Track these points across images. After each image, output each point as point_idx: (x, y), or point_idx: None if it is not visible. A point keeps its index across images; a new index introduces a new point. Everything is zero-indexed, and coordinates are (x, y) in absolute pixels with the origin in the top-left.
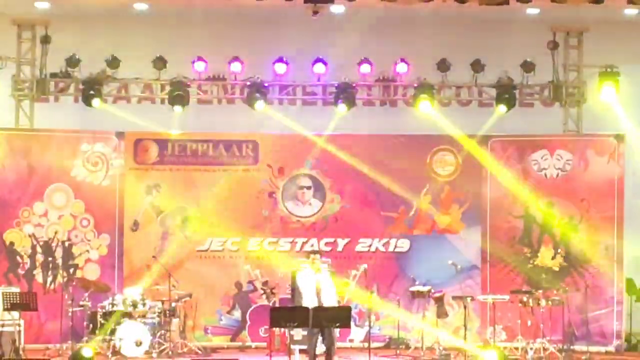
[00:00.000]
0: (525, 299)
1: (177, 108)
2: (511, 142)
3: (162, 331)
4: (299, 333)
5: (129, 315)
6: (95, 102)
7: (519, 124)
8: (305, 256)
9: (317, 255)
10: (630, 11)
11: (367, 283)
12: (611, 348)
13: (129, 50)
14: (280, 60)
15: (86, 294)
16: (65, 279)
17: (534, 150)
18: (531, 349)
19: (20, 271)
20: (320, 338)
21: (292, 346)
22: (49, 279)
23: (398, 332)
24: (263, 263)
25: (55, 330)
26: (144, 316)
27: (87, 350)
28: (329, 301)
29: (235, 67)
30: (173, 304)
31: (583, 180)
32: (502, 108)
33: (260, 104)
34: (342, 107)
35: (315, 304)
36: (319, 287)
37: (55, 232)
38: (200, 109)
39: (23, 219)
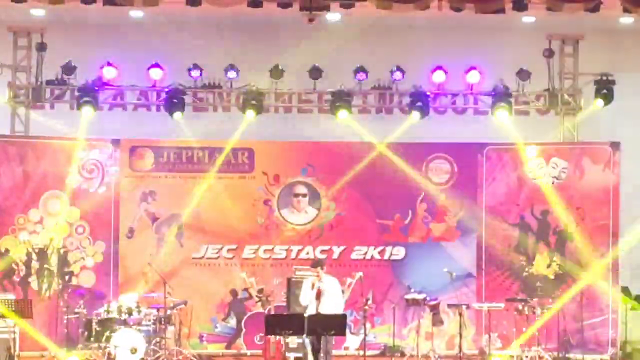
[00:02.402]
0: (520, 307)
1: (173, 115)
2: (507, 150)
3: (157, 339)
4: (294, 341)
5: (124, 322)
6: (91, 109)
7: (515, 132)
8: (310, 265)
9: (320, 269)
10: (626, 19)
11: (362, 291)
12: (606, 356)
13: (125, 57)
14: (275, 68)
15: (81, 301)
16: (61, 286)
17: (529, 159)
18: (526, 357)
19: (16, 278)
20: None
21: (287, 354)
22: (44, 286)
23: (393, 340)
24: (258, 270)
25: (51, 337)
26: (139, 323)
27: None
28: (332, 308)
29: (231, 74)
30: (168, 312)
31: (578, 188)
32: (497, 115)
33: (255, 112)
34: (338, 115)
35: (313, 312)
36: (320, 295)
37: (51, 239)
38: (195, 116)
39: (18, 226)
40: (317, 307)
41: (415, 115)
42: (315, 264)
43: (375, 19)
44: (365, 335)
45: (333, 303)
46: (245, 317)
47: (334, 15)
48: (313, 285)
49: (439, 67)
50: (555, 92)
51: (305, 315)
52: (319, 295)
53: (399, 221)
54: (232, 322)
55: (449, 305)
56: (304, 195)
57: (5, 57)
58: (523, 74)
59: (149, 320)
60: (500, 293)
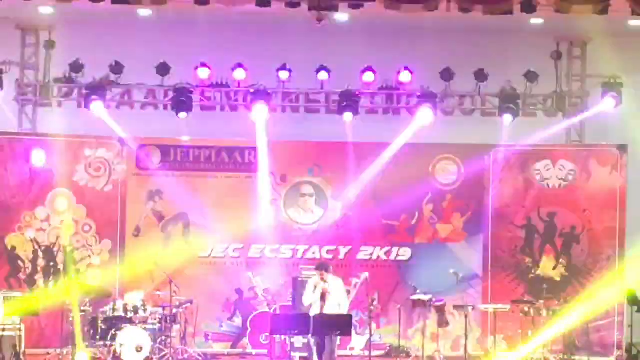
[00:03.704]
0: (526, 308)
1: (180, 114)
2: (514, 151)
3: (163, 337)
4: (299, 340)
5: (129, 321)
6: (99, 107)
7: (522, 134)
8: (315, 267)
9: (325, 273)
10: (634, 22)
11: (368, 291)
12: (612, 358)
13: (133, 56)
14: (283, 67)
15: (87, 300)
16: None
17: (536, 160)
18: (532, 359)
19: (22, 276)
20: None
21: (292, 353)
22: (50, 284)
23: (399, 340)
24: (264, 270)
25: (56, 335)
26: (144, 322)
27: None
28: (336, 309)
29: (239, 73)
30: (174, 310)
31: (585, 190)
32: (505, 118)
33: (263, 112)
34: (345, 115)
35: (317, 312)
36: (324, 295)
37: (57, 237)
38: (203, 115)
39: (25, 224)
40: (322, 308)
41: (423, 116)
42: (319, 266)
43: (383, 19)
44: (371, 335)
45: (337, 304)
46: (250, 317)
47: (342, 16)
48: (315, 287)
49: (447, 69)
50: (563, 94)
51: (311, 315)
52: (323, 296)
53: (405, 222)
54: (238, 321)
55: (455, 307)
56: (311, 195)
57: (13, 55)
58: (531, 76)
59: (155, 319)
60: (506, 295)
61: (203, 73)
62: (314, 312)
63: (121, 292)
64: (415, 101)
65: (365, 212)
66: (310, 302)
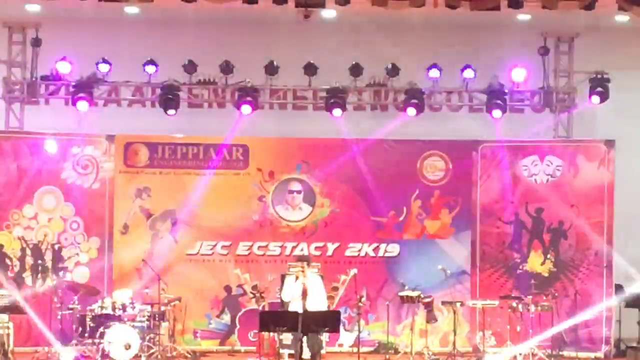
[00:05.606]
0: (514, 304)
1: (168, 111)
2: (501, 147)
3: (151, 335)
4: (288, 337)
5: (118, 318)
6: (86, 105)
7: (510, 130)
8: (295, 260)
9: (305, 264)
10: (621, 17)
11: (356, 288)
12: (600, 354)
13: (120, 54)
14: (270, 64)
15: (75, 297)
16: (55, 282)
17: (524, 156)
18: (520, 354)
19: (10, 274)
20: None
21: (281, 350)
22: (39, 282)
23: (387, 336)
24: (252, 267)
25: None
26: (133, 320)
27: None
28: (315, 306)
29: (226, 71)
30: (162, 308)
31: (573, 186)
32: (492, 114)
33: (249, 108)
34: (332, 112)
35: (300, 308)
36: (305, 291)
37: (45, 235)
38: (190, 112)
39: (12, 222)
40: (304, 305)
41: (410, 112)
42: (301, 258)
43: (370, 15)
44: (360, 332)
45: (316, 302)
46: (239, 314)
47: (329, 12)
48: (297, 278)
49: (434, 65)
50: (550, 89)
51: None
52: (305, 295)
53: (393, 218)
54: (226, 318)
55: (443, 303)
56: (299, 192)
57: (0, 53)
58: (518, 72)
59: (143, 317)
60: (494, 290)
61: (190, 70)
62: (293, 308)
63: (109, 290)
64: (402, 97)
65: (353, 209)
66: (290, 298)
